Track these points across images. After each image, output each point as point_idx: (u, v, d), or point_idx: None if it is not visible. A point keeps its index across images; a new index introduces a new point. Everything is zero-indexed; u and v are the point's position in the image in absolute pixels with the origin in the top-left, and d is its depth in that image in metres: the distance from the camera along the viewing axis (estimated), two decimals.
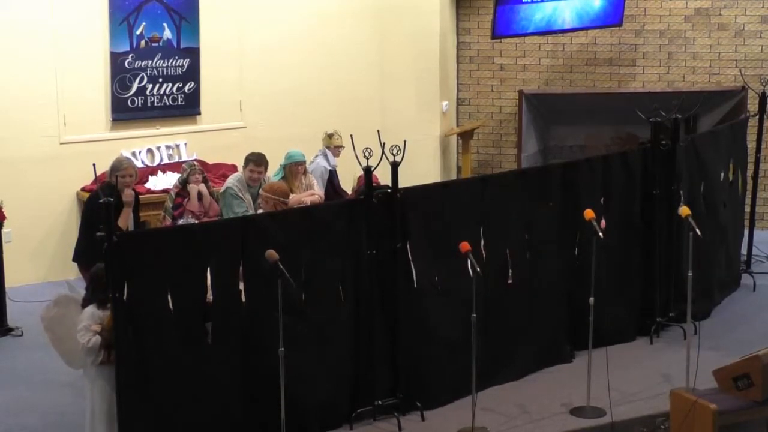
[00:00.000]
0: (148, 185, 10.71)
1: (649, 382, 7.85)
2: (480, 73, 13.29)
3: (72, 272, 9.57)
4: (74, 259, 8.54)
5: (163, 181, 10.77)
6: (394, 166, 7.17)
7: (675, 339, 8.61)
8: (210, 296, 6.60)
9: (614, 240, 8.34)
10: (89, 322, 6.39)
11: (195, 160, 10.56)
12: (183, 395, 6.46)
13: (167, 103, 11.14)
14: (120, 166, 8.32)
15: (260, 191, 8.72)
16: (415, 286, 7.37)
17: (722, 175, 9.57)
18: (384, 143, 7.06)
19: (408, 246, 7.31)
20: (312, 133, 10.81)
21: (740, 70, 12.00)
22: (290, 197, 8.78)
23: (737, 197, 10.00)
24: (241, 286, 6.74)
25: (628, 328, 8.72)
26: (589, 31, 12.71)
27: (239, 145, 11.18)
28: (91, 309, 6.46)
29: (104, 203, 6.11)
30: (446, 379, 7.53)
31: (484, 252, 7.64)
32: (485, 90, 13.30)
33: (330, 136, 10.30)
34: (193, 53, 11.19)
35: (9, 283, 9.41)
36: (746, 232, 10.36)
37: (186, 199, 9.17)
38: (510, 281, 7.89)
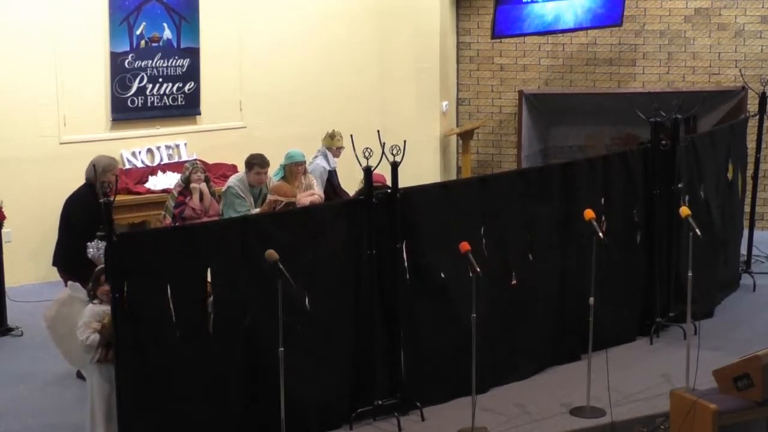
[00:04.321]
0: (148, 185, 10.71)
1: (649, 382, 7.84)
2: (480, 73, 13.29)
3: None
4: (54, 264, 8.47)
5: (162, 181, 10.77)
6: (394, 166, 7.17)
7: (675, 339, 8.60)
8: (210, 296, 6.61)
9: (614, 240, 8.33)
10: (89, 319, 6.41)
11: (196, 160, 10.55)
12: (183, 395, 6.45)
13: (167, 103, 11.14)
14: (114, 164, 8.33)
15: (268, 196, 8.74)
16: (415, 286, 7.38)
17: (722, 175, 9.57)
18: (384, 143, 7.05)
19: (408, 246, 7.31)
20: (312, 133, 10.80)
21: (740, 70, 12.00)
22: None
23: (737, 197, 10.00)
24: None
25: (628, 329, 8.71)
26: (589, 31, 12.71)
27: (239, 145, 11.18)
28: (92, 306, 6.48)
29: (104, 203, 6.11)
30: (446, 379, 7.52)
31: (486, 252, 7.64)
32: (485, 90, 13.30)
33: (331, 136, 10.25)
34: (193, 53, 11.19)
35: (9, 283, 9.41)
36: (746, 232, 10.36)
37: (188, 198, 9.17)
38: (514, 282, 7.89)
